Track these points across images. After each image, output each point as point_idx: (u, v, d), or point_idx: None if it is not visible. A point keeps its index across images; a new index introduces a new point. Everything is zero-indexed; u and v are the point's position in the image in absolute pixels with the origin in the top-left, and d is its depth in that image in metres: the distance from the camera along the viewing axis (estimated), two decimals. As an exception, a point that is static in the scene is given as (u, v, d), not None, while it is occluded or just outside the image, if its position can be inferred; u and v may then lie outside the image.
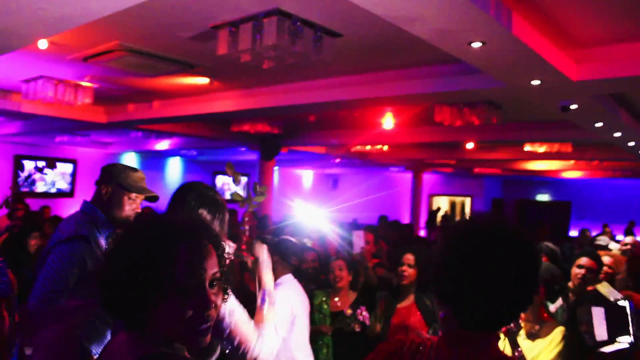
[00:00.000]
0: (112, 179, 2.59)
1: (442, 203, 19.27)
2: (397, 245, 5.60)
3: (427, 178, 17.98)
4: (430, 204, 19.26)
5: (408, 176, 17.69)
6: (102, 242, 2.03)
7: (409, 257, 3.84)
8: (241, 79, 6.11)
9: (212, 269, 1.14)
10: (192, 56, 5.11)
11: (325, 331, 4.07)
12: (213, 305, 1.13)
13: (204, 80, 6.13)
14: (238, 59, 4.11)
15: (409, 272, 3.79)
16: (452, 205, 19.58)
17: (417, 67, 5.16)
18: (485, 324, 1.30)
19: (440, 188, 19.36)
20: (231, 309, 1.61)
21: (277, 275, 3.54)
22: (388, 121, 8.40)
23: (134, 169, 2.65)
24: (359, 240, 4.65)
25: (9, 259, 4.38)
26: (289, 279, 3.51)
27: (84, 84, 6.44)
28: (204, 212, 1.98)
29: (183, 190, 2.09)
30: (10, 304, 3.22)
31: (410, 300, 3.82)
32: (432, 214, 17.56)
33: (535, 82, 4.28)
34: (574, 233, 14.83)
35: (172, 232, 1.13)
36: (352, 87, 5.64)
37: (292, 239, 4.24)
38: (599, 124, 6.27)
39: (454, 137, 8.99)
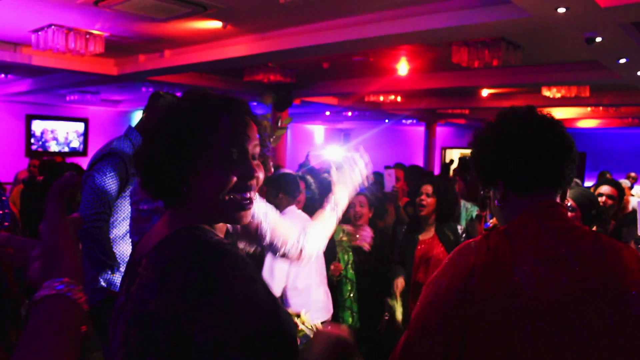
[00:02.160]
0: (150, 104, 2.65)
1: (454, 156, 19.14)
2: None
3: (440, 131, 17.81)
4: (442, 157, 19.15)
5: (420, 129, 17.54)
6: None
7: (427, 188, 3.84)
8: (255, 21, 5.97)
9: (254, 140, 1.16)
10: (206, -5, 4.99)
11: (334, 269, 4.04)
12: (256, 174, 1.14)
13: (216, 25, 6.00)
14: (254, -7, 3.99)
15: (427, 201, 3.80)
16: (464, 158, 19.46)
17: (436, 2, 5.00)
18: (538, 184, 1.38)
19: (453, 141, 19.22)
20: (265, 211, 1.59)
21: (282, 208, 3.55)
22: (403, 67, 8.25)
23: (172, 95, 2.70)
24: (390, 178, 4.59)
25: (31, 206, 4.40)
26: (292, 210, 3.58)
27: (94, 32, 6.33)
28: None
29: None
30: (16, 233, 3.31)
31: (431, 232, 3.82)
32: (445, 166, 17.46)
33: (562, 10, 4.12)
34: (588, 184, 14.71)
35: (215, 102, 1.13)
36: (366, 26, 5.50)
37: (291, 172, 4.25)
38: (623, 60, 6.11)
39: (469, 82, 8.82)
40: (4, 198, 2.96)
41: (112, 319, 1.16)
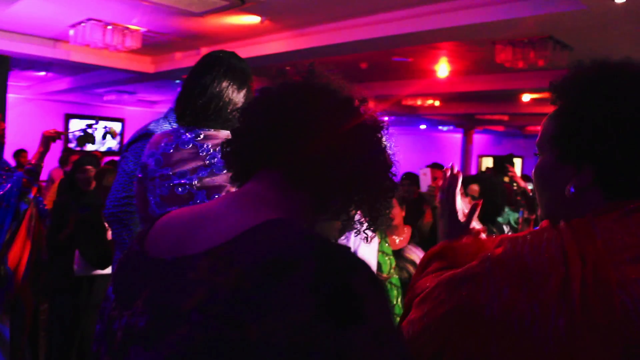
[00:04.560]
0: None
1: (491, 164, 18.71)
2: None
3: (477, 138, 17.46)
4: (479, 165, 18.75)
5: (457, 137, 17.22)
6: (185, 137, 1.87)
7: (474, 188, 3.65)
8: (293, 16, 5.84)
9: None
10: (244, -12, 4.88)
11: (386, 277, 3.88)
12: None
13: (254, 20, 5.89)
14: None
15: (472, 204, 3.59)
16: (500, 158, 19.00)
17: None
18: (631, 190, 0.98)
19: (490, 149, 18.79)
20: None
21: None
22: (443, 68, 8.03)
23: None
24: (425, 177, 4.34)
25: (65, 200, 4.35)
26: None
27: (131, 27, 6.30)
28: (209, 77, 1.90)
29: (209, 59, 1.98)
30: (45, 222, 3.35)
31: None
32: (482, 174, 17.07)
33: (620, 0, 3.87)
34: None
35: None
36: (406, 21, 5.34)
37: None
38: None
39: (512, 85, 8.51)
40: (24, 180, 2.95)
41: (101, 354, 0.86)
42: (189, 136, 1.82)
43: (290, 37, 6.37)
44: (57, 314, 3.75)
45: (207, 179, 1.73)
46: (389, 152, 0.99)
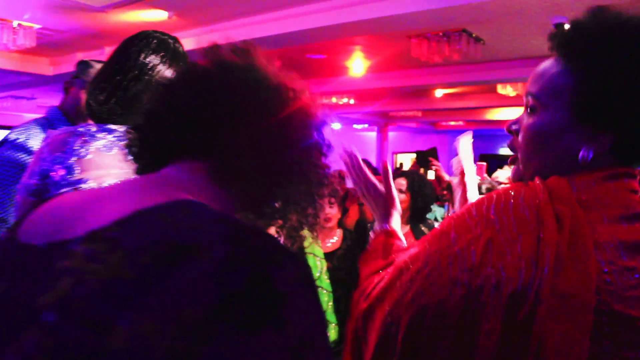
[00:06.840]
0: (74, 75, 2.20)
1: (405, 161, 19.07)
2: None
3: (392, 136, 17.74)
4: (395, 162, 19.07)
5: (372, 135, 17.41)
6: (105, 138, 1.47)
7: (401, 182, 3.54)
8: (203, 11, 5.55)
9: None
10: (148, -21, 4.55)
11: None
12: None
13: (162, 15, 5.54)
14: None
15: (400, 198, 3.48)
16: (422, 152, 19.44)
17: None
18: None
19: (404, 146, 19.17)
20: None
21: None
22: (359, 63, 7.96)
23: (101, 62, 2.17)
24: None
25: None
26: None
27: (23, 23, 5.75)
28: (153, 59, 1.51)
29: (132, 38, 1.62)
30: None
31: (405, 229, 3.48)
32: (396, 171, 17.35)
33: (534, -10, 3.90)
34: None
35: None
36: (319, 14, 5.22)
37: None
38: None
39: (427, 80, 8.60)
40: None
41: None
42: (111, 138, 1.45)
43: (200, 33, 6.07)
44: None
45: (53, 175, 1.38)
46: (327, 148, 0.90)
